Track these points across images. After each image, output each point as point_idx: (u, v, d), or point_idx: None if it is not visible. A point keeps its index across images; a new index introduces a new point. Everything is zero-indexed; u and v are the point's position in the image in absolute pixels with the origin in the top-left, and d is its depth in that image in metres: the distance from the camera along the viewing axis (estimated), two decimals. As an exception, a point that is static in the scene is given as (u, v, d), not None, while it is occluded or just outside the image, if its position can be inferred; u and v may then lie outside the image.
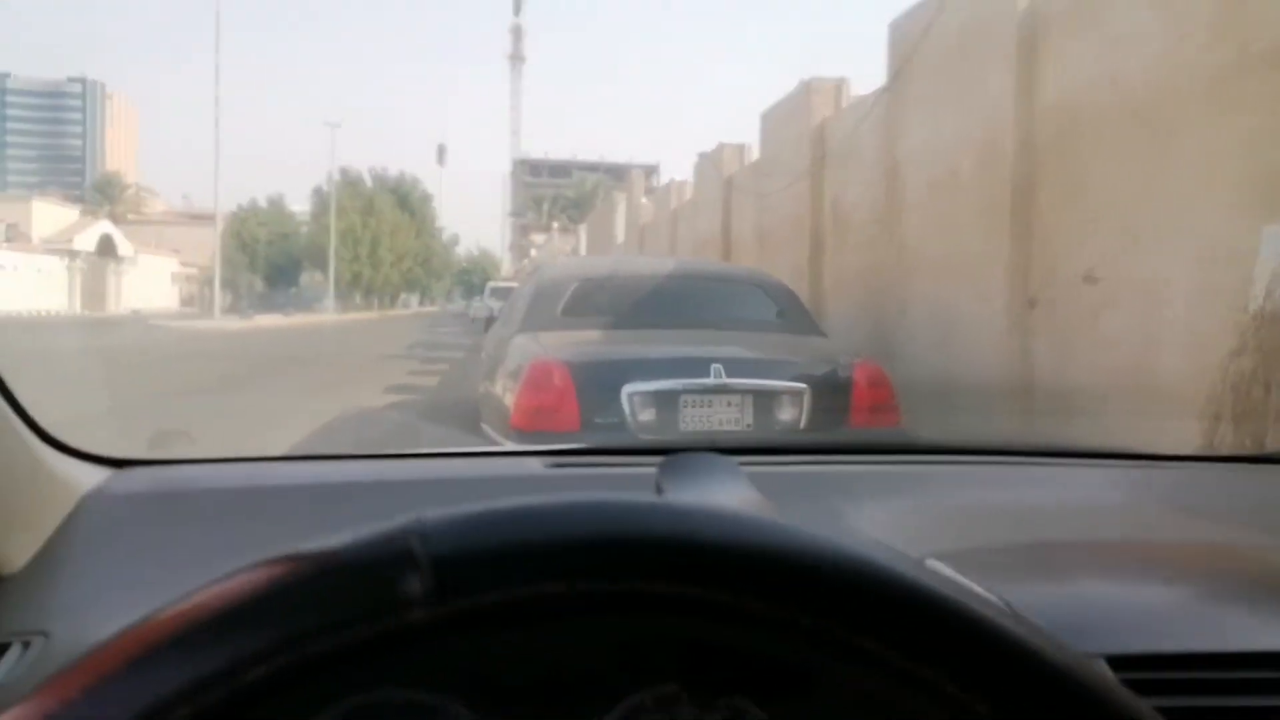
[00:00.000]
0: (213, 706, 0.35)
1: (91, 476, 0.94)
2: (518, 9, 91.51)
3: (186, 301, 45.23)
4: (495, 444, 4.18)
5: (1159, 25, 5.14)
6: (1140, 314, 5.23)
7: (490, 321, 7.33)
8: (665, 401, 4.10)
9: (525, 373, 4.23)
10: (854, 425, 4.25)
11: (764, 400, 4.18)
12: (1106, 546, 1.02)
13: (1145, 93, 5.22)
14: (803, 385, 4.20)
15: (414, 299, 62.58)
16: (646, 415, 4.07)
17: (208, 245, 39.65)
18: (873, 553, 0.40)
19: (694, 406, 4.12)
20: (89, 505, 0.89)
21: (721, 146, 14.00)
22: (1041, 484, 1.21)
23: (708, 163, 14.61)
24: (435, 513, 0.39)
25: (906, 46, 7.71)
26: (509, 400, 4.29)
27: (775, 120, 11.31)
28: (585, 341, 4.58)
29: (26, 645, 0.72)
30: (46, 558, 0.81)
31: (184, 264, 47.73)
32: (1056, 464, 1.29)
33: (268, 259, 52.81)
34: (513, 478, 1.14)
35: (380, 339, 22.00)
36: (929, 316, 7.32)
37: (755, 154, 12.67)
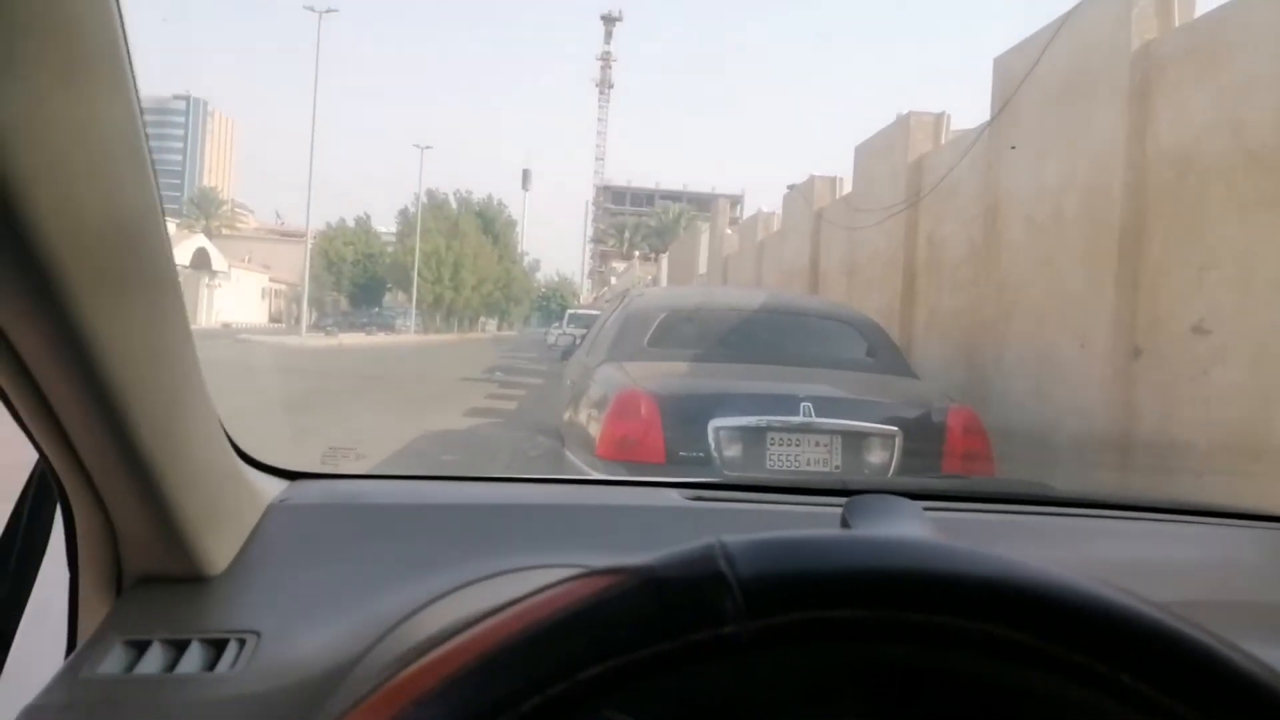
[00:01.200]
0: (557, 698, 0.40)
1: (272, 487, 1.01)
2: (608, 37, 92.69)
3: (275, 317, 46.41)
4: (581, 472, 4.14)
5: (1282, 71, 4.94)
6: (1253, 369, 5.01)
7: (570, 349, 7.33)
8: (752, 438, 4.01)
9: (612, 402, 4.18)
10: (946, 473, 4.12)
11: (854, 441, 4.07)
12: (1252, 608, 1.02)
13: (1267, 139, 5.01)
14: (894, 428, 4.08)
15: (493, 323, 63.40)
16: (732, 451, 3.99)
17: (297, 262, 40.68)
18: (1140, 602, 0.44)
19: (781, 444, 4.02)
20: (274, 514, 0.96)
21: (813, 178, 13.88)
22: (1187, 541, 1.22)
23: (797, 194, 14.50)
24: (735, 538, 0.43)
25: (1011, 83, 7.55)
26: (594, 429, 4.24)
27: (870, 153, 11.18)
28: (672, 373, 4.52)
29: (242, 642, 0.78)
30: (244, 561, 0.89)
31: (273, 280, 49.02)
32: (1198, 522, 1.29)
33: (352, 278, 53.98)
34: (655, 508, 1.14)
35: (461, 361, 22.32)
36: (1026, 361, 7.10)
37: (847, 187, 12.54)
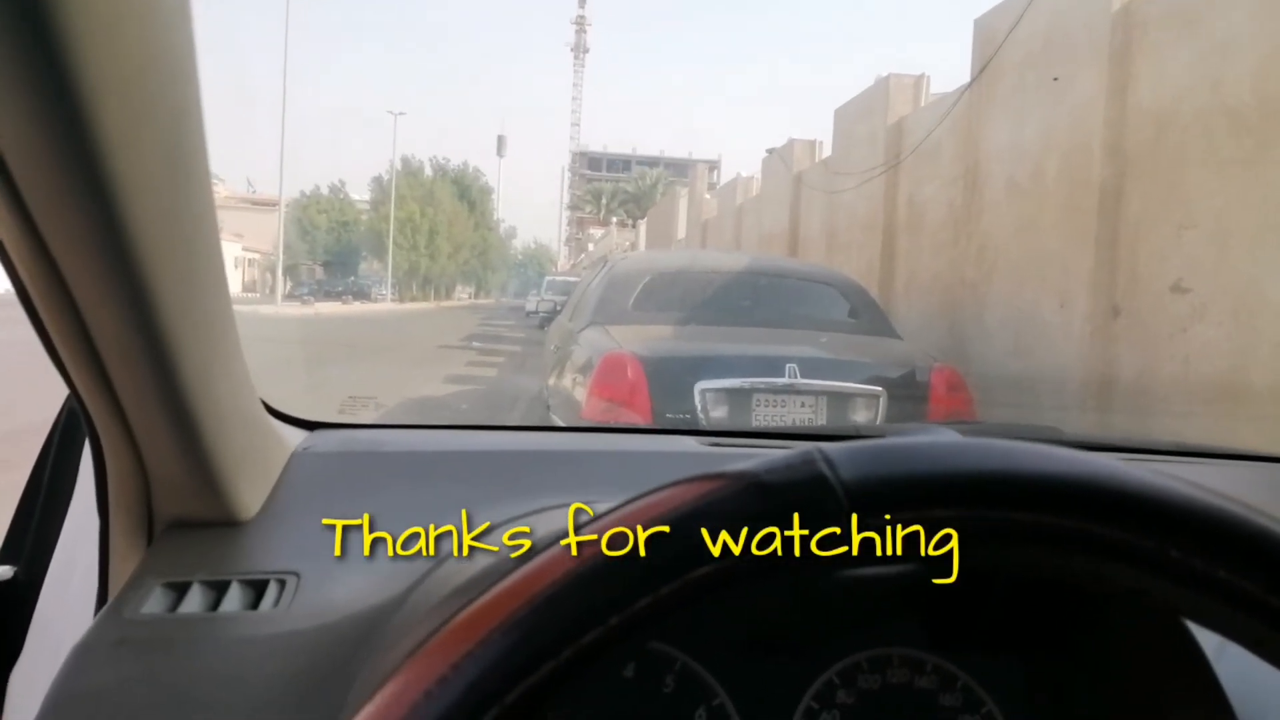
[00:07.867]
0: (673, 595, 0.41)
1: (294, 437, 1.03)
2: (582, 1, 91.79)
3: (249, 286, 45.91)
4: None
5: (1264, 30, 4.95)
6: (1232, 326, 5.06)
7: (550, 317, 7.28)
8: (738, 399, 4.03)
9: (597, 366, 4.17)
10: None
11: (838, 402, 4.09)
12: None
13: (1244, 98, 5.03)
14: (878, 388, 4.11)
15: (469, 290, 63.09)
16: (719, 412, 4.01)
17: (270, 231, 40.22)
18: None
19: (767, 405, 4.05)
20: (299, 462, 0.98)
21: (792, 142, 13.84)
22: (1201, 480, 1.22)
23: (776, 158, 14.47)
24: (833, 446, 0.44)
25: (992, 44, 7.54)
26: (580, 393, 4.24)
27: (850, 116, 11.16)
28: (657, 336, 4.52)
29: (282, 583, 0.80)
30: (274, 507, 0.91)
31: (247, 249, 48.43)
32: (1205, 463, 1.31)
33: (327, 246, 53.49)
34: (675, 453, 1.15)
35: (439, 329, 22.24)
36: (1007, 321, 7.15)
37: (827, 150, 12.53)
